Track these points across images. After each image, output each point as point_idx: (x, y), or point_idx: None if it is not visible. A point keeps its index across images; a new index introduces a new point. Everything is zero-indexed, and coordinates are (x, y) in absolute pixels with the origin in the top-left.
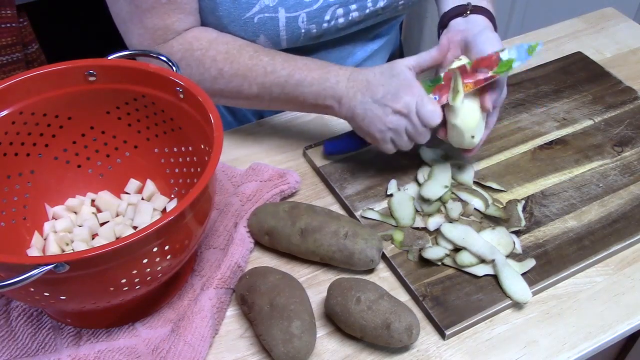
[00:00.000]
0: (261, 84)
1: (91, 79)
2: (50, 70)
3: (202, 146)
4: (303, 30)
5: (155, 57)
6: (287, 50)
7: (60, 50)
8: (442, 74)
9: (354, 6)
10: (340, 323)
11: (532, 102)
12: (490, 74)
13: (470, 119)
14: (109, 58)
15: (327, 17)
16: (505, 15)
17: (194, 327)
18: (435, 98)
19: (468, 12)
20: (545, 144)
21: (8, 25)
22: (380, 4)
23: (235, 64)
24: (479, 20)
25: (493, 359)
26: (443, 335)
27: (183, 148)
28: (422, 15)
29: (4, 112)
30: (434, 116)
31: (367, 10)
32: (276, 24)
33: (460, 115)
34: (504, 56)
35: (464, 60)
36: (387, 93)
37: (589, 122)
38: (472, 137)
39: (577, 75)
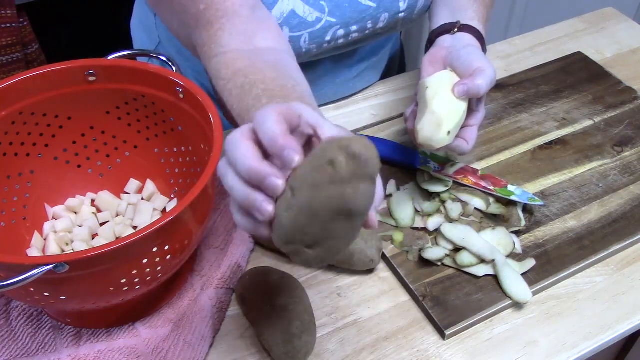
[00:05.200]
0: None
1: (91, 79)
2: (50, 70)
3: (202, 146)
4: (304, 50)
5: (155, 57)
6: None
7: (60, 50)
8: (427, 83)
9: (354, 27)
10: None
11: (532, 102)
12: (491, 188)
13: (453, 111)
14: (109, 58)
15: (327, 38)
16: (505, 15)
17: (194, 327)
18: (436, 168)
19: (456, 30)
20: (545, 144)
21: (8, 25)
22: (380, 24)
23: (242, 103)
24: (466, 37)
25: (493, 359)
26: (443, 335)
27: (183, 148)
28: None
29: (4, 112)
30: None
31: (367, 31)
32: None
33: (443, 103)
34: (511, 188)
35: (448, 72)
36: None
37: (589, 122)
38: (448, 132)
39: (577, 75)
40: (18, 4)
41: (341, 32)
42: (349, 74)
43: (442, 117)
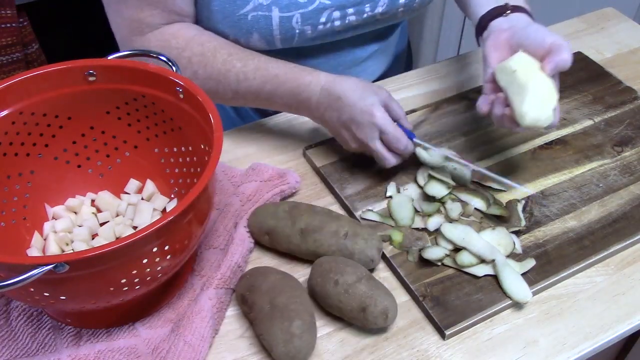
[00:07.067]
0: (235, 91)
1: (91, 79)
2: (50, 70)
3: (202, 146)
4: (297, 31)
5: (155, 57)
6: (283, 50)
7: (60, 50)
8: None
9: (351, 10)
10: (321, 302)
11: None
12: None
13: (549, 89)
14: (109, 58)
15: (322, 19)
16: None
17: (194, 327)
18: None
19: (508, 12)
20: (545, 144)
21: (8, 25)
22: (379, 9)
23: (209, 68)
24: (522, 17)
25: (493, 359)
26: (443, 335)
27: (183, 148)
28: (422, 15)
29: (4, 112)
30: (400, 142)
31: (365, 15)
32: (269, 22)
33: (539, 82)
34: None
35: (522, 54)
36: (352, 119)
37: (589, 122)
38: (553, 109)
39: (577, 75)
40: (18, 4)
41: (337, 14)
42: (349, 58)
43: (544, 96)
